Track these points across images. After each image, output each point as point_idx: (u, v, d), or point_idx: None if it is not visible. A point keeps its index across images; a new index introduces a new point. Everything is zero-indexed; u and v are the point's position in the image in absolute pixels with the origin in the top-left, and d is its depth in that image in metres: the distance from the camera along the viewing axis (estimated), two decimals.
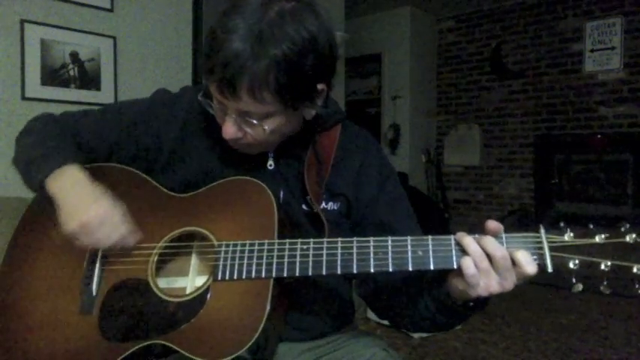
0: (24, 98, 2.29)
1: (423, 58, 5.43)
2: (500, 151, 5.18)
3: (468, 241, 0.79)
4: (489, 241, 0.78)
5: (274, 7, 0.81)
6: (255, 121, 0.86)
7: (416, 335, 3.07)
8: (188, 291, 0.96)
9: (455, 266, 0.80)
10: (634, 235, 0.73)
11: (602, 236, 0.75)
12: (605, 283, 0.75)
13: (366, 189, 1.02)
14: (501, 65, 5.11)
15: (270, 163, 1.00)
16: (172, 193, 1.00)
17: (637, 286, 0.73)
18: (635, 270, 0.72)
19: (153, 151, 1.03)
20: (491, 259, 0.77)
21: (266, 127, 0.88)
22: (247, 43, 0.78)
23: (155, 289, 0.92)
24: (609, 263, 0.74)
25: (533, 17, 4.92)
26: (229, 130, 0.88)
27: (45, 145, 0.97)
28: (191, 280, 0.98)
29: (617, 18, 4.41)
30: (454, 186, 5.49)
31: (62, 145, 0.98)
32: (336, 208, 1.00)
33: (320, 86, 0.88)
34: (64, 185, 0.91)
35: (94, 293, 0.94)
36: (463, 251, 0.80)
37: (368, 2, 5.16)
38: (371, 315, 3.28)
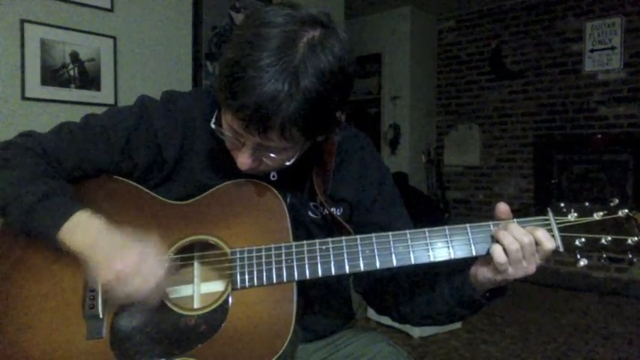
0: (24, 98, 2.29)
1: (423, 58, 5.43)
2: (500, 151, 5.18)
3: (497, 230, 0.82)
4: (515, 228, 0.81)
5: (302, 36, 0.76)
6: (273, 155, 0.84)
7: (416, 335, 3.07)
8: (195, 299, 0.94)
9: (474, 254, 0.83)
10: (626, 210, 0.83)
11: (600, 214, 0.84)
12: (604, 255, 0.84)
13: (367, 192, 1.02)
14: (501, 65, 5.10)
15: (273, 174, 0.96)
16: (172, 202, 0.94)
17: (630, 256, 0.83)
18: (629, 241, 0.82)
19: (156, 165, 0.96)
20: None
21: (284, 158, 0.86)
22: (282, 83, 0.73)
23: (170, 304, 0.88)
24: (609, 238, 0.83)
25: (533, 17, 4.92)
26: (246, 161, 0.85)
27: (34, 186, 0.86)
28: (196, 287, 0.95)
29: (617, 18, 4.41)
30: (454, 186, 5.49)
31: (57, 187, 0.88)
32: (339, 213, 1.00)
33: (339, 114, 0.85)
34: (86, 239, 0.83)
35: (101, 316, 0.88)
36: (480, 240, 0.84)
37: (368, 2, 5.15)
38: (371, 315, 3.28)
